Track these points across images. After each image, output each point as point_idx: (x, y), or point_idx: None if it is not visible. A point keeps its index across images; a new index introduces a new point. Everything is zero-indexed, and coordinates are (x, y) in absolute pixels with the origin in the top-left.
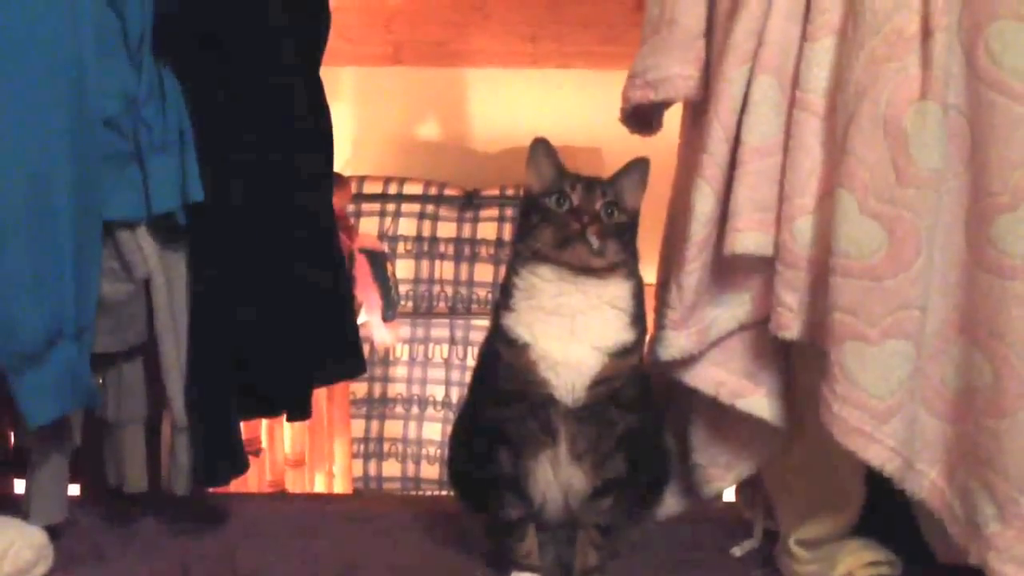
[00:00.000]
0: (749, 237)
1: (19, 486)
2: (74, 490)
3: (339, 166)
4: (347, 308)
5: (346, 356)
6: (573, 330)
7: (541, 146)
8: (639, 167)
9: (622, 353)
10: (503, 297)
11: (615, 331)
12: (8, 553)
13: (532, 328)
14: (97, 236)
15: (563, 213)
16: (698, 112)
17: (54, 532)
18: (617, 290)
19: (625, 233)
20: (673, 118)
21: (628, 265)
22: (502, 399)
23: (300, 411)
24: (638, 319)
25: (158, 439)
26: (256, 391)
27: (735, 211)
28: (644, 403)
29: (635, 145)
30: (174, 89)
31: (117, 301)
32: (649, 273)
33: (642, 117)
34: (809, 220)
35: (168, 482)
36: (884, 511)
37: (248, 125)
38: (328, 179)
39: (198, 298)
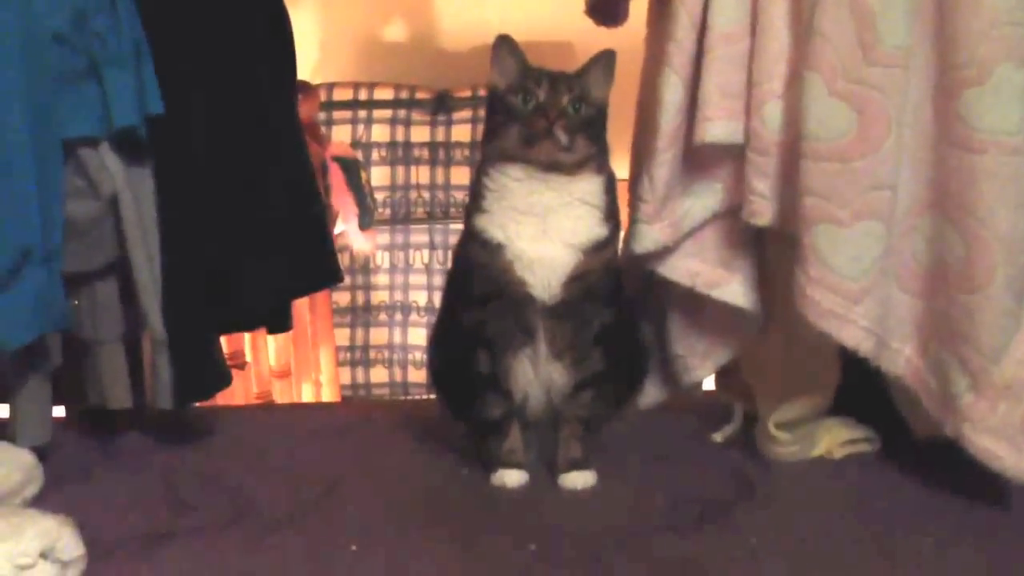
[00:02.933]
0: (719, 125)
1: (3, 411)
2: (59, 411)
3: (306, 73)
4: (320, 217)
5: (321, 266)
6: (546, 228)
7: (505, 43)
8: (605, 59)
9: (596, 248)
10: (474, 199)
11: (588, 227)
12: None
13: (505, 228)
14: (58, 157)
15: (529, 111)
16: (664, 0)
17: (41, 453)
18: (588, 185)
19: (593, 126)
20: (639, 9)
21: (598, 159)
22: (479, 300)
23: (280, 323)
24: (611, 214)
25: (139, 355)
26: (233, 304)
27: (704, 99)
28: (620, 297)
29: (605, 37)
30: (126, 0)
31: (85, 220)
32: (621, 168)
33: (608, 7)
34: (778, 105)
35: (152, 398)
36: (860, 389)
37: (205, 34)
38: (291, 86)
39: (167, 213)
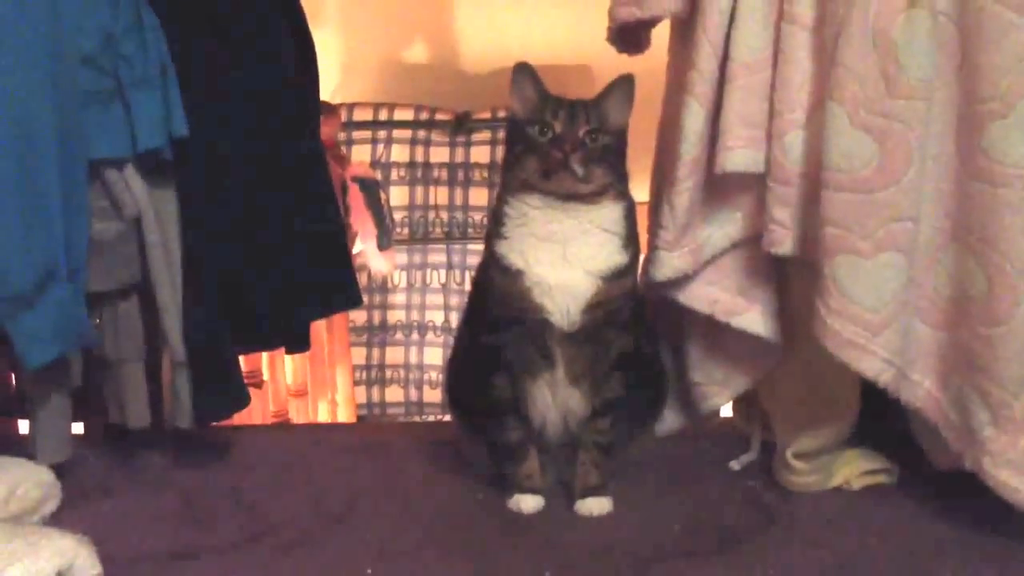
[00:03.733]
0: (740, 154)
1: (24, 428)
2: (78, 429)
3: (327, 93)
4: (340, 239)
5: (341, 288)
6: (566, 255)
7: (522, 71)
8: (623, 85)
9: (616, 276)
10: (495, 225)
11: (608, 254)
12: (16, 492)
13: (525, 255)
14: (84, 176)
15: (546, 143)
16: (686, 29)
17: (60, 470)
18: (608, 213)
19: (612, 155)
20: (663, 36)
21: (617, 187)
22: (498, 325)
23: (298, 344)
24: (630, 240)
25: (160, 374)
26: (252, 325)
27: (725, 128)
28: (639, 323)
29: (626, 63)
30: (153, 24)
31: (108, 240)
32: (642, 193)
33: (630, 35)
34: (800, 135)
35: (171, 417)
36: (879, 421)
37: (230, 57)
38: (315, 107)
39: (189, 234)
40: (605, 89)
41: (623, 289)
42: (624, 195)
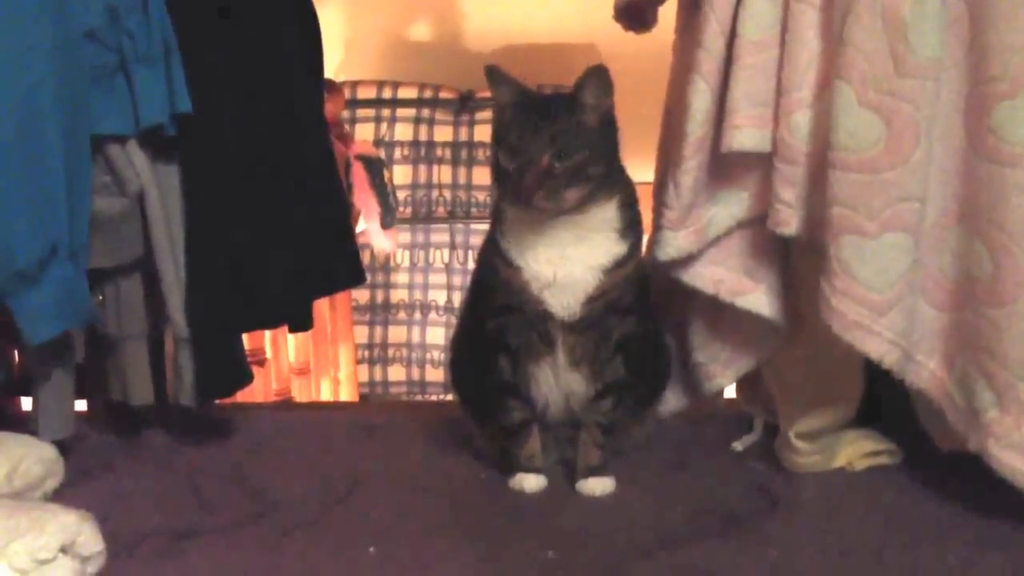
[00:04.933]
0: (746, 133)
1: (27, 405)
2: (81, 406)
3: (331, 71)
4: (343, 217)
5: (344, 266)
6: (563, 254)
7: (491, 76)
8: (594, 77)
9: (616, 266)
10: (496, 217)
11: (606, 248)
12: (19, 468)
13: (524, 252)
14: (87, 152)
15: (512, 170)
16: (693, 6)
17: (62, 447)
18: (600, 212)
19: (588, 166)
20: (668, 14)
21: (603, 189)
22: (500, 311)
23: (302, 322)
24: (629, 228)
25: (163, 352)
26: (255, 303)
27: (732, 107)
28: (642, 306)
29: (631, 40)
30: None
31: (111, 216)
32: (647, 172)
33: (636, 13)
34: (807, 114)
35: (173, 395)
36: (883, 401)
37: (234, 33)
38: (318, 84)
39: (192, 211)
40: (577, 83)
41: (624, 277)
42: (616, 187)
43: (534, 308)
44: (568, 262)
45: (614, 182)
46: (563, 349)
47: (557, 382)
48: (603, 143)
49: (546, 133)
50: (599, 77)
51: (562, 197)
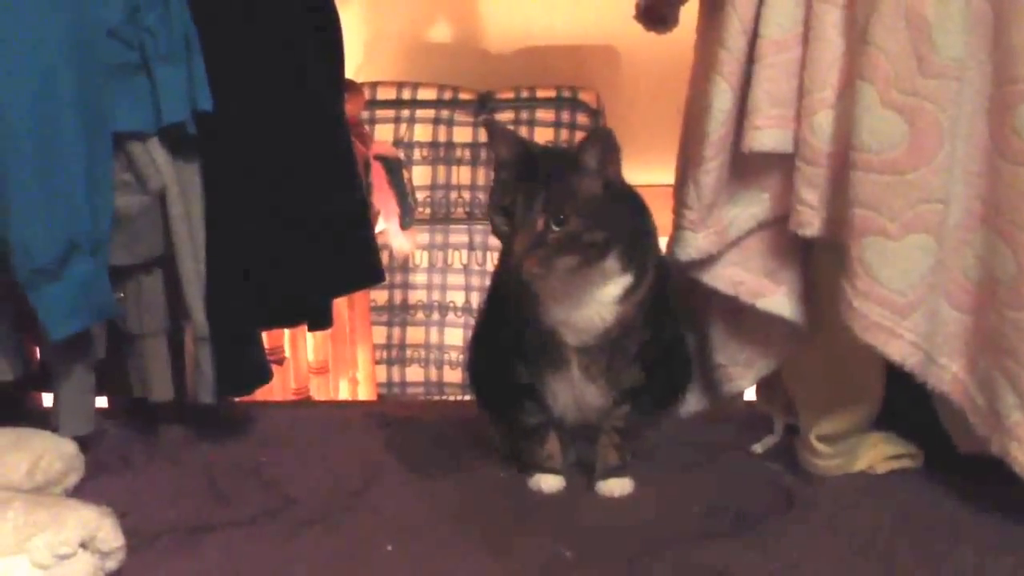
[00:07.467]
0: (768, 134)
1: (47, 400)
2: (101, 402)
3: (351, 71)
4: (363, 216)
5: (363, 265)
6: (573, 294)
7: (490, 129)
8: (598, 141)
9: (627, 294)
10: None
11: (614, 285)
12: (40, 464)
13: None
14: (108, 150)
15: (508, 235)
16: (715, 6)
17: (83, 443)
18: (602, 266)
19: (581, 237)
20: (690, 14)
21: (599, 246)
22: (515, 321)
23: (321, 321)
24: (633, 257)
25: (182, 349)
26: (275, 301)
27: (753, 107)
28: (660, 312)
29: (651, 42)
30: None
31: (132, 214)
32: (666, 174)
33: (657, 13)
34: (829, 115)
35: (193, 392)
36: (905, 404)
37: (255, 31)
38: (339, 85)
39: (213, 209)
40: (580, 145)
41: (639, 298)
42: (619, 240)
43: (548, 337)
44: (578, 300)
45: (617, 239)
46: (578, 367)
47: (573, 393)
48: (604, 211)
49: (541, 197)
50: (604, 141)
51: (553, 266)
